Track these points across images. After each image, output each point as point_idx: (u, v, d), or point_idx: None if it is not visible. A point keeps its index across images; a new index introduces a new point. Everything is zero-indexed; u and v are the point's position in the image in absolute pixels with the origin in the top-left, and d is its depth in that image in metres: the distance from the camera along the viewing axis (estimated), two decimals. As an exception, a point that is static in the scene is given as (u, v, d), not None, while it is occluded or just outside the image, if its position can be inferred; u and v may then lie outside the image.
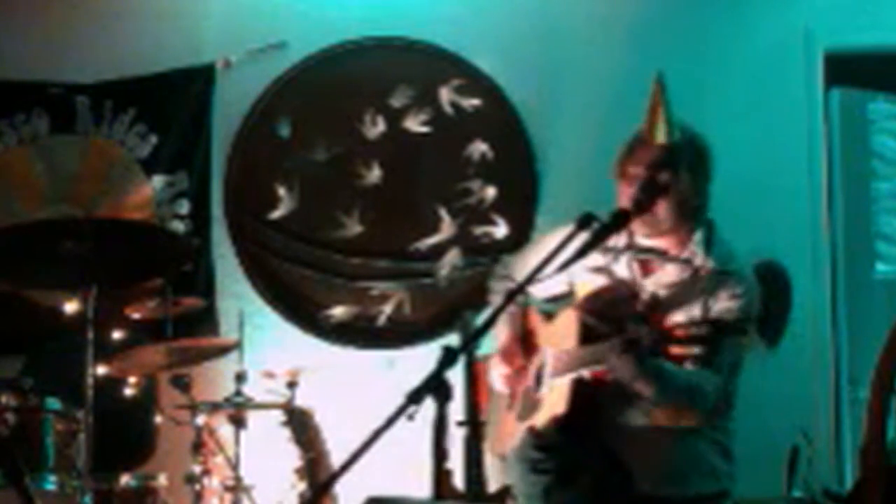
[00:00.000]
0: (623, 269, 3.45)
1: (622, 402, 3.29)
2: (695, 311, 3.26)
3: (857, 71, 5.36)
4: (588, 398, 3.28)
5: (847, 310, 5.24)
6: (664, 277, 3.39)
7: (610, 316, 3.33)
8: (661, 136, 3.33)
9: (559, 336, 3.42)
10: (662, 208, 3.32)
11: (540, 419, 3.37)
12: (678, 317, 3.25)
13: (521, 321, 3.65)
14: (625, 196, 3.34)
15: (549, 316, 3.59)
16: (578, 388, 3.27)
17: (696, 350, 3.11)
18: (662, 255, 3.41)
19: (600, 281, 3.47)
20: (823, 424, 5.02)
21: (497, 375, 3.61)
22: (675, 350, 3.12)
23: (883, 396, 2.59)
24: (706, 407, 3.31)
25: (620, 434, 3.34)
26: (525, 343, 3.61)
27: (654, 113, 3.34)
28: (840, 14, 5.23)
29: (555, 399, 3.33)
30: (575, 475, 3.27)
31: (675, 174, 3.31)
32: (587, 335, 3.30)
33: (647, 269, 3.44)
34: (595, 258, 3.46)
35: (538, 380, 3.47)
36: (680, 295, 3.33)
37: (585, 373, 3.28)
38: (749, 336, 3.41)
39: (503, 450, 3.54)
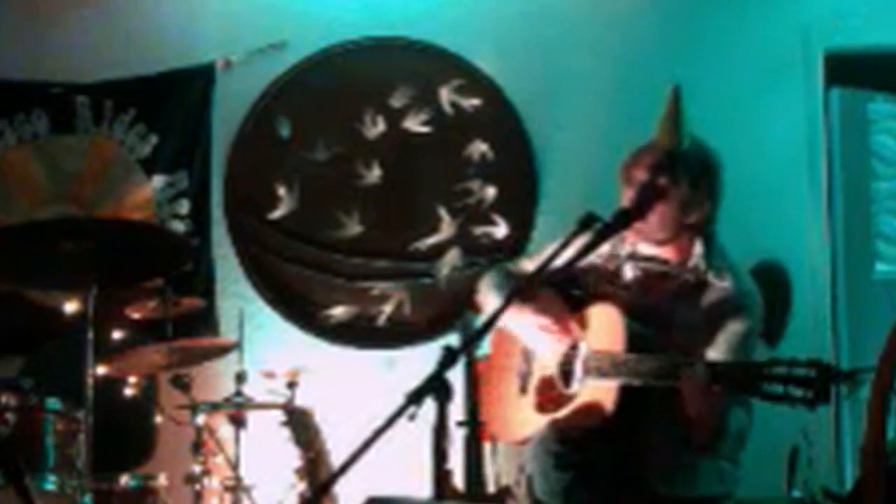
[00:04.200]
0: (629, 274, 3.43)
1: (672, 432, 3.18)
2: (700, 330, 3.24)
3: (857, 71, 5.35)
4: (632, 409, 3.17)
5: (847, 310, 5.24)
6: (669, 288, 3.37)
7: (644, 308, 3.30)
8: (666, 141, 3.31)
9: (599, 335, 3.31)
10: (655, 215, 3.28)
11: (567, 415, 3.29)
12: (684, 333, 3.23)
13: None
14: (626, 199, 3.32)
15: (576, 306, 3.46)
16: (625, 396, 3.16)
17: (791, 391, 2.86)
18: (664, 264, 3.38)
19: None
20: (823, 424, 5.02)
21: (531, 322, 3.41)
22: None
23: (883, 396, 2.58)
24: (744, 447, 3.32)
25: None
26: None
27: (666, 119, 3.33)
28: (840, 14, 5.23)
29: (593, 400, 3.23)
30: (593, 473, 3.24)
31: (674, 181, 3.28)
32: (636, 343, 3.21)
33: (650, 280, 3.41)
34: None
35: (566, 375, 3.37)
36: (683, 307, 3.31)
37: (636, 382, 3.16)
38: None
39: (515, 437, 3.48)
